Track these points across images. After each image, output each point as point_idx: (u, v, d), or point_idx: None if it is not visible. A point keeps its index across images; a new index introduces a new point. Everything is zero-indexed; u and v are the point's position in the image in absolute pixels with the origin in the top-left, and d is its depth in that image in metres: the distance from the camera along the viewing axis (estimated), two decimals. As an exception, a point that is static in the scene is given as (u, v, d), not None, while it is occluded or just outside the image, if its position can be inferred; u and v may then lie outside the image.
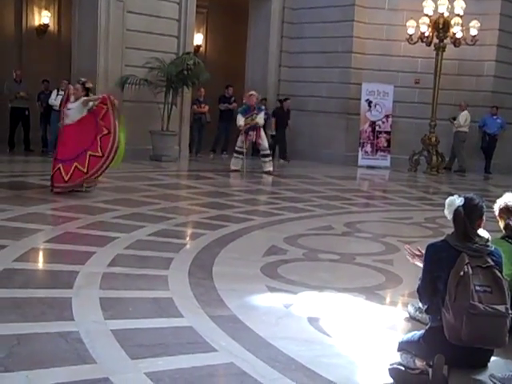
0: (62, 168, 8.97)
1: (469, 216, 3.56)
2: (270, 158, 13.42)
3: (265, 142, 13.32)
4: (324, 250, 6.85)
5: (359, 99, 16.42)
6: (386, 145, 16.52)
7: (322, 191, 11.36)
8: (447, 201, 3.67)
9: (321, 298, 5.21)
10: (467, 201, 3.60)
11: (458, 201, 3.60)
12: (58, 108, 13.81)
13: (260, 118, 13.13)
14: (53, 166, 9.12)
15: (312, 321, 4.60)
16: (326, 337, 4.36)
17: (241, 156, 13.09)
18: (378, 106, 16.37)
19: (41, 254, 6.33)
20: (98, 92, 13.92)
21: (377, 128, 16.43)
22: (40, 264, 6.08)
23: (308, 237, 7.55)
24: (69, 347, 3.84)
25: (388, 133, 16.52)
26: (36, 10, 16.92)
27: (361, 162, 16.36)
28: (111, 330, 4.12)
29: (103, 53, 13.92)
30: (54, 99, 13.90)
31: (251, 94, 13.27)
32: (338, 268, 6.29)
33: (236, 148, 13.23)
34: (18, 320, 4.20)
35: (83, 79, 9.72)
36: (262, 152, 13.35)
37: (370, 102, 16.30)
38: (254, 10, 17.68)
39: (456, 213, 3.58)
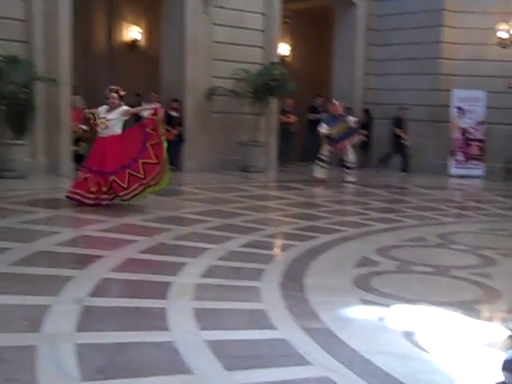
0: (116, 179, 8.80)
1: None
2: (353, 171, 13.41)
3: (351, 155, 13.32)
4: (418, 262, 6.69)
5: (449, 106, 16.02)
6: (478, 153, 16.01)
7: (413, 201, 11.14)
8: None
9: (416, 311, 5.08)
10: None
11: None
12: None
13: (350, 120, 13.18)
14: (95, 180, 8.83)
15: (408, 335, 4.49)
16: (423, 352, 4.23)
17: (325, 165, 13.06)
18: (469, 113, 15.91)
19: (136, 264, 6.46)
20: (187, 104, 14.24)
21: (468, 136, 15.96)
22: (135, 274, 6.20)
23: (400, 248, 7.41)
24: (165, 357, 3.89)
25: (481, 140, 16.01)
26: (126, 25, 17.45)
27: (452, 171, 15.93)
28: (205, 341, 4.15)
29: (190, 65, 14.18)
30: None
31: (334, 103, 13.37)
32: (432, 281, 6.12)
33: (320, 156, 13.19)
34: (117, 329, 4.31)
35: (115, 87, 9.44)
36: (347, 164, 13.34)
37: (460, 109, 15.87)
38: (339, 18, 17.59)
39: None
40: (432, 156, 16.30)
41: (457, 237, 8.24)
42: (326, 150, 13.08)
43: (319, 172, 13.09)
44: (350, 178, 13.19)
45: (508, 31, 14.67)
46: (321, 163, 13.13)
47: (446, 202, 11.43)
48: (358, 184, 13.08)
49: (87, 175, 8.86)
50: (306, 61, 19.98)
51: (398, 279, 6.10)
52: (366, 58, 17.43)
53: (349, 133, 13.17)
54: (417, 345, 4.35)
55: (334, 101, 13.55)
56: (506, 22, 14.66)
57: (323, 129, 13.05)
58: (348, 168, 13.29)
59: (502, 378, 3.60)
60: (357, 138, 13.81)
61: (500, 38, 14.72)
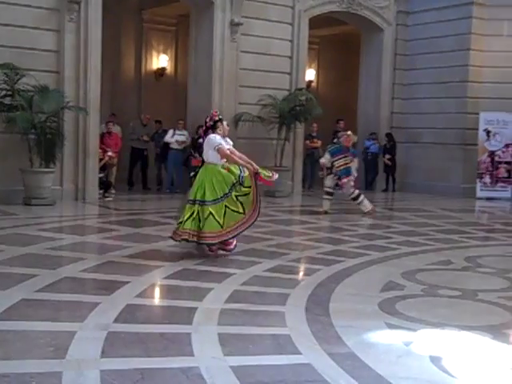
0: None
1: None
2: (359, 201, 12.16)
3: (349, 189, 12.12)
4: (444, 286, 6.61)
5: (477, 129, 15.93)
6: (506, 175, 15.87)
7: (439, 224, 11.04)
8: None
9: (442, 335, 5.01)
10: None
11: None
12: (176, 147, 14.41)
13: (354, 167, 12.11)
14: None
15: (434, 360, 4.42)
16: (450, 378, 4.17)
17: (330, 197, 12.09)
18: (497, 136, 15.81)
19: (160, 289, 6.50)
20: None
21: (496, 158, 15.84)
22: (160, 300, 6.24)
23: (426, 272, 7.33)
24: (190, 383, 3.88)
25: (509, 163, 15.90)
26: (155, 54, 17.74)
27: (479, 193, 15.81)
28: (230, 367, 4.14)
29: (218, 92, 14.34)
30: (171, 137, 14.45)
31: (349, 135, 12.16)
32: (459, 304, 6.04)
33: (325, 189, 12.12)
34: (142, 355, 4.31)
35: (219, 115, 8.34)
36: (351, 196, 12.18)
37: (488, 132, 15.77)
38: (366, 43, 17.68)
39: None
40: (460, 179, 16.19)
41: (484, 260, 8.15)
42: (330, 181, 12.04)
43: (325, 204, 12.08)
44: (363, 208, 12.11)
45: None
46: (325, 196, 12.12)
47: (472, 225, 11.31)
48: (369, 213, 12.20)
49: None
50: (332, 86, 20.10)
51: (424, 303, 6.02)
52: (392, 83, 17.46)
53: (347, 171, 11.90)
54: (444, 370, 4.29)
55: (349, 133, 12.39)
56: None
57: (326, 159, 12.00)
58: (355, 199, 12.16)
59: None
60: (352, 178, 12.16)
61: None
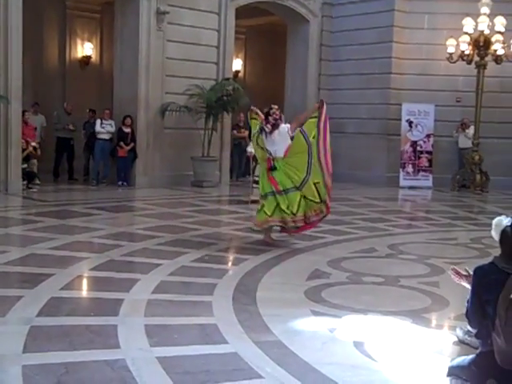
0: None
1: None
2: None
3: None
4: (368, 273, 6.78)
5: (399, 119, 16.33)
6: (427, 165, 16.37)
7: (364, 213, 11.28)
8: (494, 221, 3.59)
9: (366, 321, 5.15)
10: None
11: (505, 221, 3.52)
12: (104, 137, 14.16)
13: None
14: None
15: (358, 345, 4.54)
16: (373, 362, 4.29)
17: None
18: (419, 126, 16.26)
19: (86, 281, 6.41)
20: (139, 120, 14.19)
21: (418, 148, 16.31)
22: (86, 292, 6.15)
23: (351, 260, 7.49)
24: (116, 375, 3.85)
25: (430, 152, 16.38)
26: (79, 42, 17.35)
27: (402, 182, 16.24)
28: (157, 358, 4.13)
29: (144, 81, 14.17)
30: (100, 127, 14.21)
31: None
32: (382, 291, 6.20)
33: (255, 178, 11.46)
34: (67, 348, 4.25)
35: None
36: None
37: (410, 122, 16.21)
38: (292, 34, 17.80)
39: (503, 233, 3.50)
40: (384, 168, 16.57)
41: (406, 247, 8.38)
42: (259, 170, 11.68)
43: (256, 194, 10.86)
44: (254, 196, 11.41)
45: (456, 46, 15.02)
46: (256, 185, 10.92)
47: (396, 213, 11.60)
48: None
49: None
50: (259, 76, 20.18)
51: (348, 290, 6.16)
52: (318, 73, 17.64)
53: None
54: (367, 355, 4.41)
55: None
56: (455, 37, 15.01)
57: (250, 148, 11.36)
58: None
59: (447, 385, 3.69)
60: None
61: (448, 53, 15.07)
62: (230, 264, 7.46)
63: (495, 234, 3.57)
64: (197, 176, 14.51)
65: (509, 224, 3.50)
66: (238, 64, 19.74)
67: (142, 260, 7.04)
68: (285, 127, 8.04)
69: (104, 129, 14.19)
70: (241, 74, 20.41)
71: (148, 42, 14.13)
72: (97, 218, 9.82)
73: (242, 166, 16.24)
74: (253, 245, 8.12)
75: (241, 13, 16.07)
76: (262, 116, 8.17)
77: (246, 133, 16.02)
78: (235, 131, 16.11)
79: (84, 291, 6.16)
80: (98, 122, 14.35)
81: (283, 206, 7.88)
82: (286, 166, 8.00)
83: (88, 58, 17.42)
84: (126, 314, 5.04)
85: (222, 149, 15.55)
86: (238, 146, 16.12)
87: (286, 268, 6.96)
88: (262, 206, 8.05)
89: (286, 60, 18.00)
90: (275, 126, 8.00)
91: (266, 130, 7.99)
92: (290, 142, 8.05)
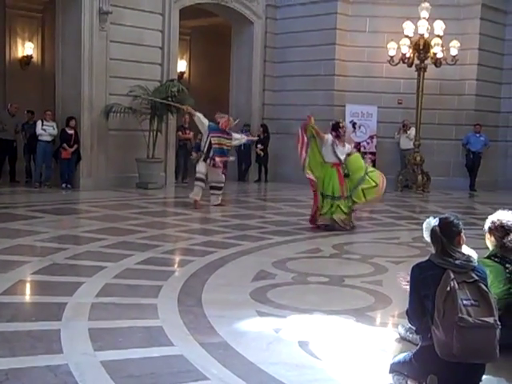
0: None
1: (445, 233, 3.66)
2: (220, 193, 12.09)
3: (222, 176, 12.12)
4: (313, 273, 6.85)
5: (343, 121, 16.51)
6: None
7: (309, 213, 11.34)
8: (424, 224, 3.81)
9: (311, 321, 5.20)
10: (442, 220, 3.73)
11: (433, 221, 3.72)
12: (46, 139, 13.90)
13: (236, 140, 12.18)
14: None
15: (302, 345, 4.59)
16: (317, 360, 4.35)
17: (203, 185, 11.70)
18: (362, 127, 16.51)
19: (28, 286, 6.29)
20: (83, 121, 13.99)
21: (362, 149, 16.53)
22: (28, 296, 6.03)
23: (297, 260, 7.55)
24: (58, 381, 3.79)
25: (373, 153, 16.64)
26: (19, 41, 17.00)
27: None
28: (101, 362, 4.09)
29: (87, 82, 13.97)
30: (41, 129, 13.93)
31: (229, 118, 12.11)
32: (327, 291, 6.28)
33: (197, 175, 11.75)
34: (7, 355, 4.16)
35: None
36: (214, 184, 11.97)
37: (354, 124, 16.41)
38: (237, 36, 17.85)
39: (432, 233, 3.69)
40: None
41: (351, 247, 8.53)
42: (202, 167, 11.73)
43: (196, 192, 11.61)
44: (217, 200, 11.97)
45: (397, 49, 15.31)
46: (198, 183, 11.68)
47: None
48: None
49: None
50: (204, 77, 20.15)
51: (293, 290, 6.22)
52: (263, 75, 17.73)
53: (221, 151, 11.73)
54: (311, 354, 4.46)
55: (231, 118, 12.33)
56: (395, 40, 15.29)
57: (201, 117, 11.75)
58: (215, 188, 12.01)
59: (390, 381, 3.77)
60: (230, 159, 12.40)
61: (390, 55, 15.35)
62: (175, 266, 7.43)
63: (427, 236, 3.76)
64: (142, 178, 14.39)
65: (436, 224, 3.67)
66: (182, 65, 19.67)
67: (86, 263, 6.95)
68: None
69: (45, 131, 13.92)
70: (185, 75, 20.35)
71: (91, 42, 13.93)
72: (40, 220, 9.64)
73: (187, 167, 16.17)
74: (198, 246, 8.11)
75: (185, 14, 16.02)
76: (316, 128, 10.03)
77: (191, 134, 15.98)
78: (180, 132, 16.03)
79: (25, 296, 6.04)
80: (39, 123, 14.06)
81: (344, 209, 9.67)
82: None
83: (29, 57, 17.11)
84: (70, 318, 4.97)
85: (167, 150, 15.47)
86: (183, 148, 16.04)
87: (232, 269, 6.98)
88: (337, 206, 9.63)
89: (231, 61, 18.03)
90: (342, 138, 9.88)
91: (338, 142, 9.84)
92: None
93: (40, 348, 4.32)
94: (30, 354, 4.19)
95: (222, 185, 12.15)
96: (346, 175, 9.73)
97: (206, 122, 11.86)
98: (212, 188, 12.03)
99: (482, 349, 3.41)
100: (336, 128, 9.96)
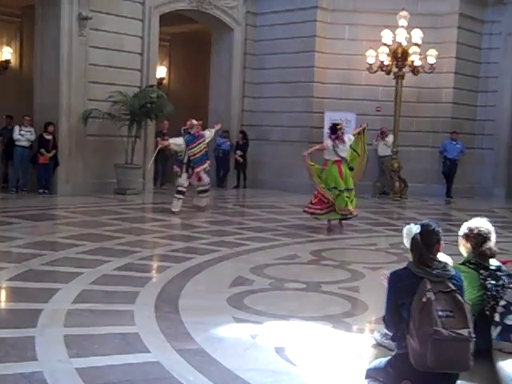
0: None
1: (426, 242, 3.63)
2: (208, 194, 12.40)
3: (207, 177, 12.22)
4: (290, 279, 6.87)
5: (322, 128, 16.57)
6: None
7: (287, 220, 11.42)
8: (404, 230, 3.76)
9: (287, 327, 5.22)
10: (424, 228, 3.68)
11: (414, 229, 3.68)
12: (23, 144, 13.79)
13: (208, 134, 12.07)
14: None
15: (279, 351, 4.60)
16: (294, 367, 4.36)
17: (182, 197, 11.66)
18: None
19: (4, 292, 6.24)
20: (61, 127, 13.90)
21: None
22: (3, 303, 5.99)
23: (274, 266, 7.57)
24: (32, 388, 3.78)
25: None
26: (-3, 45, 16.87)
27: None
28: (76, 369, 4.07)
29: (66, 87, 13.90)
30: (18, 134, 13.82)
31: (199, 124, 12.03)
32: (304, 297, 6.30)
33: (178, 188, 11.72)
34: (-19, 362, 4.13)
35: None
36: (201, 188, 12.13)
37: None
38: (216, 42, 17.86)
39: (413, 241, 3.66)
40: (307, 176, 16.73)
41: (328, 253, 8.54)
42: (183, 179, 11.73)
43: (176, 205, 11.60)
44: (202, 203, 12.21)
45: (375, 57, 15.42)
46: (177, 195, 11.64)
47: (318, 220, 11.74)
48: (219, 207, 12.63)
49: None
50: (183, 83, 20.11)
51: (270, 296, 6.23)
52: (243, 81, 17.75)
53: (202, 157, 11.82)
54: (288, 360, 4.47)
55: (193, 121, 12.03)
56: (374, 48, 15.41)
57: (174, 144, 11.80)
58: (203, 192, 12.18)
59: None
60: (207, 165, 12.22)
61: (368, 63, 15.45)
62: (152, 272, 7.42)
63: (406, 242, 3.74)
64: (120, 184, 14.33)
65: (418, 232, 3.66)
66: (162, 71, 19.63)
67: (63, 269, 6.91)
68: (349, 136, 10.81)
69: (23, 136, 13.82)
70: (165, 82, 20.30)
71: (70, 48, 13.87)
72: (16, 226, 9.57)
73: (165, 173, 16.12)
74: (175, 252, 8.09)
75: (165, 20, 16.00)
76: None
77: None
78: (159, 138, 15.95)
79: (0, 303, 5.99)
80: (17, 128, 13.95)
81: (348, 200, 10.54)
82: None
83: (7, 62, 16.96)
84: (45, 325, 4.94)
85: (146, 156, 15.41)
86: (162, 154, 15.98)
87: (209, 275, 6.98)
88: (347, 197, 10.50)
89: (211, 68, 18.04)
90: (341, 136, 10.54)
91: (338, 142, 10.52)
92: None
93: (14, 355, 4.29)
94: (3, 361, 4.16)
95: (208, 186, 12.30)
96: (351, 168, 10.71)
97: (180, 140, 11.80)
98: (200, 192, 12.20)
99: (456, 361, 3.43)
100: (335, 131, 10.57)
